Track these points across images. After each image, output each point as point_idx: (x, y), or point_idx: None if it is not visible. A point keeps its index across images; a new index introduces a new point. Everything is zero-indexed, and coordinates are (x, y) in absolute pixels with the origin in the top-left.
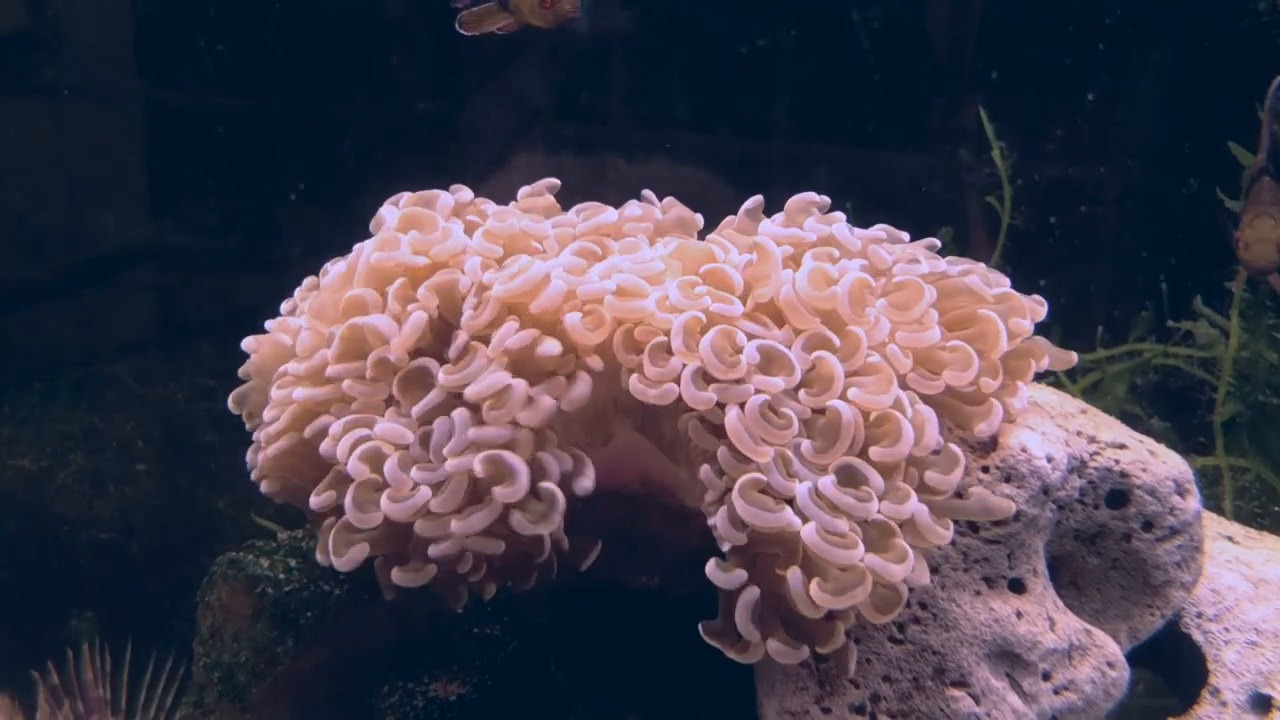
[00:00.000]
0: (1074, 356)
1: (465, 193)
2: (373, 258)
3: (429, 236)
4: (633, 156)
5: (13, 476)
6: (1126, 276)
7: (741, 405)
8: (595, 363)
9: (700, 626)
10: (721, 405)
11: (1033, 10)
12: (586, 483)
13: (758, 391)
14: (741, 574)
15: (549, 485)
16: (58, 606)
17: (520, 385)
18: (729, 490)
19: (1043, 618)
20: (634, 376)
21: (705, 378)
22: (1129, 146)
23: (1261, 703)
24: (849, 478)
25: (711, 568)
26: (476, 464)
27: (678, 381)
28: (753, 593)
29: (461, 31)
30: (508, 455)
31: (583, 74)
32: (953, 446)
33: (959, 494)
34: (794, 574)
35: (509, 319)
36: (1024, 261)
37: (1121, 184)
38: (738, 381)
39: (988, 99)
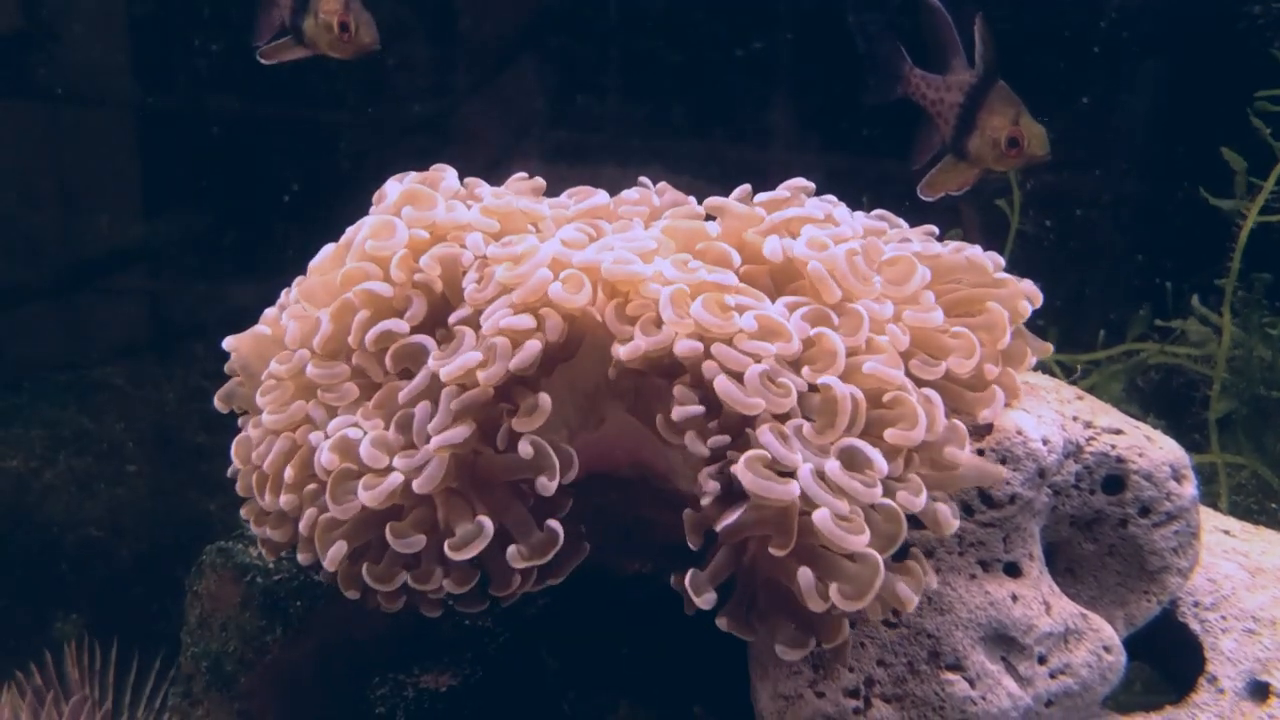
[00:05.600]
0: (1049, 346)
1: (473, 181)
2: (368, 245)
3: (427, 212)
4: (628, 163)
5: (0, 478)
6: (1123, 279)
7: (735, 373)
8: (593, 313)
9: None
10: (710, 357)
11: (1027, 15)
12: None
13: (751, 355)
14: (713, 596)
15: (553, 523)
16: (45, 608)
17: (503, 342)
18: (716, 462)
19: (1038, 601)
20: (618, 345)
21: (699, 336)
22: (1124, 150)
23: (1259, 690)
24: (852, 460)
25: (688, 584)
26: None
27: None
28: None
29: (263, 62)
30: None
31: (578, 79)
32: (956, 422)
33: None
34: (804, 573)
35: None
36: (1022, 265)
37: (1116, 187)
38: (730, 338)
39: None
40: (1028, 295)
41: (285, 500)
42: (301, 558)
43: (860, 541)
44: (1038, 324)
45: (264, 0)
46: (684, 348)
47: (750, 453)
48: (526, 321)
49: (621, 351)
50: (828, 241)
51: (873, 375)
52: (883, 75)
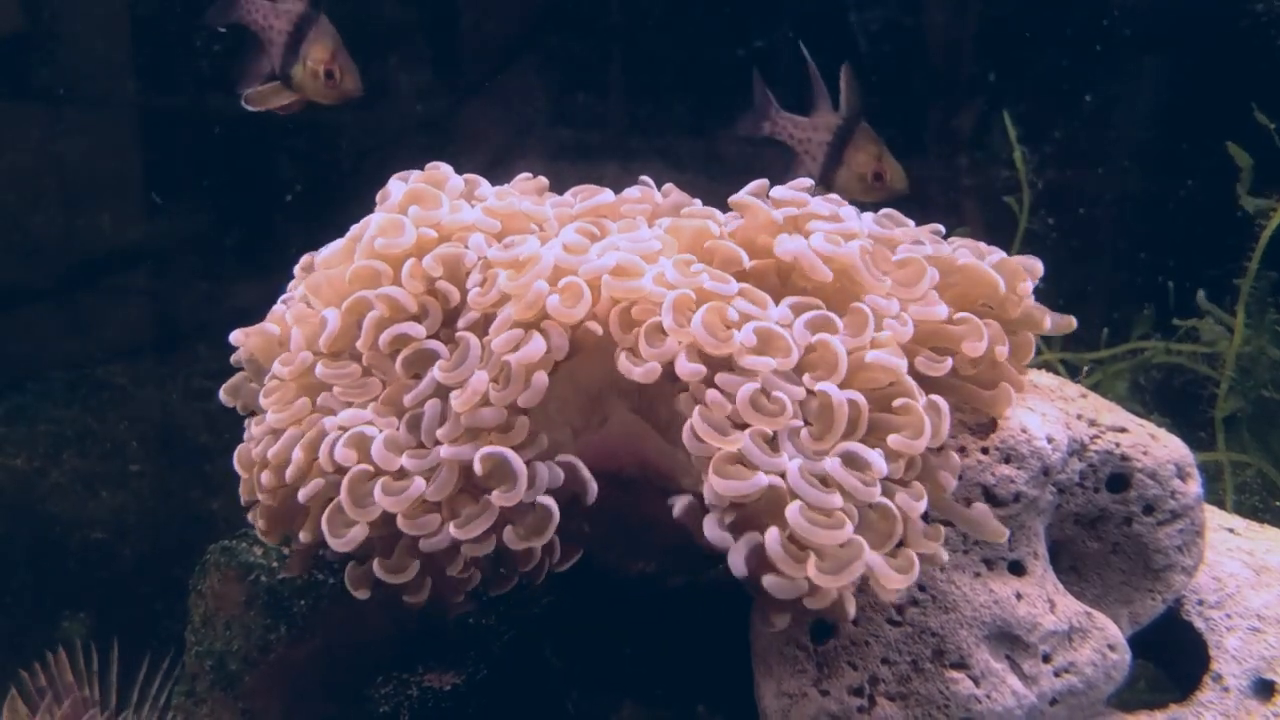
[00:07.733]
0: (1073, 320)
1: (473, 178)
2: (377, 244)
3: (433, 211)
4: (630, 161)
5: (5, 476)
6: (1126, 277)
7: (729, 392)
8: (594, 327)
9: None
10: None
11: (1030, 13)
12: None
13: (748, 371)
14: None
15: (546, 500)
16: (50, 608)
17: (517, 369)
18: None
19: (1043, 600)
20: (622, 354)
21: (699, 354)
22: (1127, 148)
23: (1264, 688)
24: (851, 463)
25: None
26: (476, 462)
27: (669, 363)
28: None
29: (248, 108)
30: (510, 456)
31: (580, 79)
32: (950, 452)
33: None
34: (771, 534)
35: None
36: None
37: (1120, 185)
38: (729, 358)
39: (986, 102)
40: (1028, 269)
41: (290, 474)
42: (303, 537)
43: (838, 536)
44: None
45: (250, 50)
46: (685, 370)
47: (716, 455)
48: (538, 347)
49: (637, 373)
50: (839, 240)
51: (876, 365)
52: (753, 114)
